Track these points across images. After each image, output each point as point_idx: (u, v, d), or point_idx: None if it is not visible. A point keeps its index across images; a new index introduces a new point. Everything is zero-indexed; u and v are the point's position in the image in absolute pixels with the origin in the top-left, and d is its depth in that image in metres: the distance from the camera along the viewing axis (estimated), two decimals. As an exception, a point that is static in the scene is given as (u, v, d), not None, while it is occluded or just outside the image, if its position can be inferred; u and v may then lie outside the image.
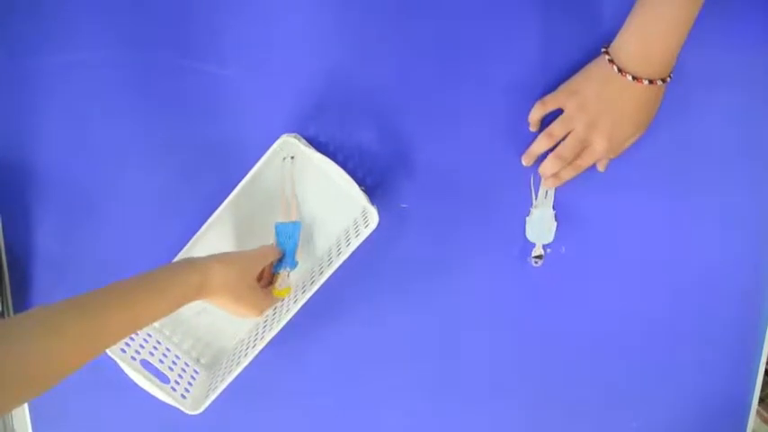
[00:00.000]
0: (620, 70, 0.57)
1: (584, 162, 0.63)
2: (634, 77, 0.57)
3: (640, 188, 0.67)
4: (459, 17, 0.64)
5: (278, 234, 0.66)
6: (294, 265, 0.67)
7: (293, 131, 0.66)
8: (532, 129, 0.65)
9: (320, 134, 0.67)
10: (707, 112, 0.65)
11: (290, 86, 0.66)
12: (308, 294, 0.62)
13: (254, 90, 0.66)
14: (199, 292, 0.56)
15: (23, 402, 0.42)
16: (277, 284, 0.66)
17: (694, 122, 0.66)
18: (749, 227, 0.68)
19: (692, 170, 0.67)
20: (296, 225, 0.66)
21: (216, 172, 0.66)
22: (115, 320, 0.48)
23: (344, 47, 0.65)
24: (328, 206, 0.68)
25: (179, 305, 0.54)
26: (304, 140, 0.65)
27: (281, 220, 0.66)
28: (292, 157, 0.65)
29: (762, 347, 0.70)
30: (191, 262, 0.57)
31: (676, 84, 0.60)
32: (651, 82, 0.57)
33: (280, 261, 0.66)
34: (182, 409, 0.62)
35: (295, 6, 0.64)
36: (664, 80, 0.58)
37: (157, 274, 0.53)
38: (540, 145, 0.64)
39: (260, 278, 0.67)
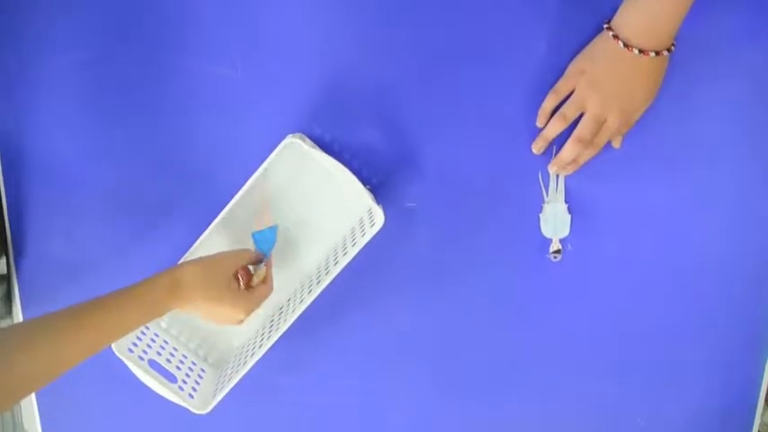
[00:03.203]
0: (625, 45, 0.57)
1: (602, 140, 0.63)
2: (640, 51, 0.57)
3: (648, 175, 0.66)
4: (463, 15, 0.64)
5: (256, 242, 0.66)
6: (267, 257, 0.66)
7: (298, 131, 0.65)
8: (540, 123, 0.64)
9: (325, 134, 0.66)
10: (713, 105, 0.65)
11: (294, 86, 0.65)
12: (315, 294, 0.62)
13: (259, 90, 0.66)
14: (171, 293, 0.56)
15: None
16: (254, 283, 0.65)
17: (701, 115, 0.65)
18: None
19: (695, 163, 0.66)
20: (272, 229, 0.66)
21: (221, 172, 0.66)
22: (82, 336, 0.50)
23: (349, 46, 0.65)
24: (334, 206, 0.67)
25: (153, 309, 0.55)
26: (309, 140, 0.64)
27: (256, 229, 0.66)
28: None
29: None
30: (164, 269, 0.57)
31: (683, 80, 0.61)
32: (657, 53, 0.57)
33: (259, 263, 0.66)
34: (189, 408, 0.62)
35: (301, 7, 0.64)
36: (669, 50, 0.58)
37: (132, 285, 0.55)
38: (553, 128, 0.63)
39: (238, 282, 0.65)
